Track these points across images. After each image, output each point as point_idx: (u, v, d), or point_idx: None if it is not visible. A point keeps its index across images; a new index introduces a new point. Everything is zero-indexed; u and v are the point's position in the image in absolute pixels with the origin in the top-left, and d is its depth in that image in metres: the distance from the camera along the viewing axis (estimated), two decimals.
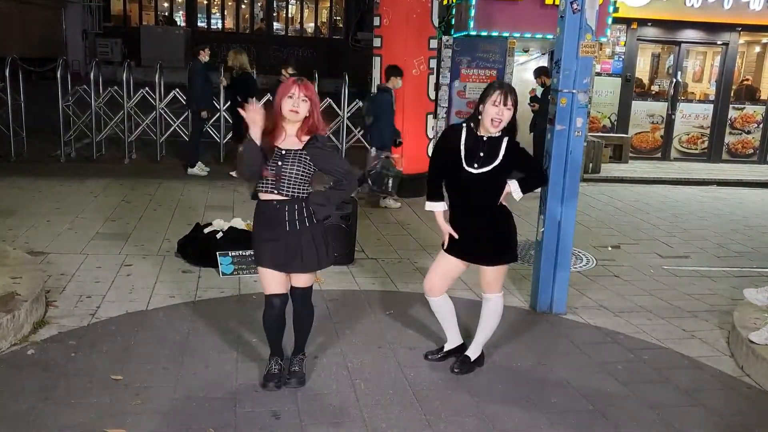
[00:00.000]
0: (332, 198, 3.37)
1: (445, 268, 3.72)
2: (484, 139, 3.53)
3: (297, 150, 3.27)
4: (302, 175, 3.28)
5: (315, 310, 3.61)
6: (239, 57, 8.54)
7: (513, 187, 3.66)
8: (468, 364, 3.77)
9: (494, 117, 3.44)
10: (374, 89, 7.92)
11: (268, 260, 3.37)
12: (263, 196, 3.33)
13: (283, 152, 3.27)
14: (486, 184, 3.54)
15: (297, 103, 3.23)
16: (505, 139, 3.54)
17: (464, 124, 3.61)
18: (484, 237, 3.63)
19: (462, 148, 3.54)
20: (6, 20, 17.62)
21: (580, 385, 3.67)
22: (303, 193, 3.31)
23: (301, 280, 3.43)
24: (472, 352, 3.81)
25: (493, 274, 3.71)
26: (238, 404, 3.28)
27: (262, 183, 3.31)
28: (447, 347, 3.90)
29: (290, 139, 3.29)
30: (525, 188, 3.71)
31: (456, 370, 3.73)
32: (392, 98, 7.48)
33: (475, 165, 3.51)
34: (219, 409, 3.24)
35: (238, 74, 8.54)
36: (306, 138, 3.29)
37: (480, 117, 3.50)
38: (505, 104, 3.44)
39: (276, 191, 3.27)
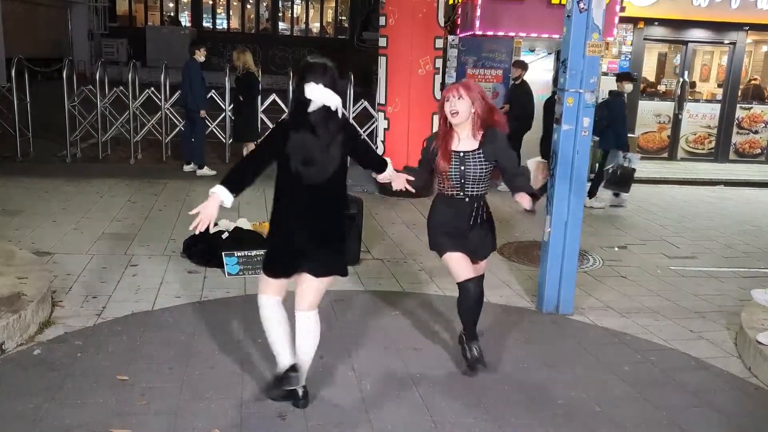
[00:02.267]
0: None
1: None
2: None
3: (473, 150, 3.46)
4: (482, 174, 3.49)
5: (319, 310, 3.60)
6: (243, 56, 8.50)
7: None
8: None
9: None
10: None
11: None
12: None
13: (461, 154, 3.46)
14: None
15: (454, 104, 3.37)
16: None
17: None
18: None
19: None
20: (12, 21, 17.70)
21: (587, 386, 3.65)
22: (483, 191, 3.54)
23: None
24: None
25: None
26: (243, 405, 3.28)
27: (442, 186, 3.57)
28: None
29: (465, 141, 3.47)
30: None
31: None
32: (624, 102, 8.22)
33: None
34: (224, 409, 3.23)
35: (242, 73, 8.51)
36: (480, 134, 3.43)
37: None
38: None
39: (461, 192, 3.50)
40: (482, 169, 3.51)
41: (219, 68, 9.28)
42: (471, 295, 3.59)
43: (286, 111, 9.54)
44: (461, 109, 3.43)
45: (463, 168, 3.49)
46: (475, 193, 3.56)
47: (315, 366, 3.68)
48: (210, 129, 9.28)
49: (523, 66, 8.85)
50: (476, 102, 3.44)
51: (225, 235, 5.43)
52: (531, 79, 9.52)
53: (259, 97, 8.93)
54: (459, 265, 3.60)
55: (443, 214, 3.64)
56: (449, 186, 3.56)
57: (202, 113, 8.60)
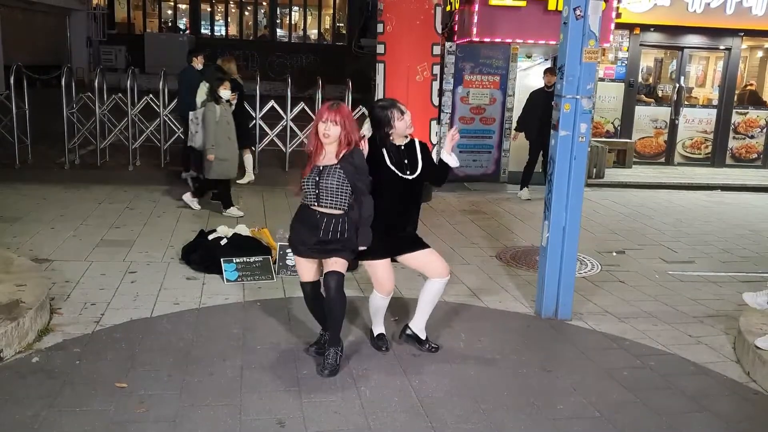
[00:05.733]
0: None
1: (387, 269, 3.93)
2: (401, 146, 3.89)
3: (333, 165, 3.62)
4: (339, 188, 3.63)
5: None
6: (228, 65, 8.60)
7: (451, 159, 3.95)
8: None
9: (407, 126, 3.86)
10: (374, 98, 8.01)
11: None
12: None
13: (321, 168, 3.62)
14: (418, 185, 3.94)
15: (328, 128, 3.58)
16: (416, 142, 3.96)
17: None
18: (412, 229, 4.02)
19: (387, 160, 3.85)
20: (11, 28, 17.71)
21: (586, 392, 3.66)
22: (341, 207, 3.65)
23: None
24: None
25: (436, 254, 4.01)
26: (242, 412, 3.28)
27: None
28: (376, 331, 4.14)
29: (329, 156, 3.66)
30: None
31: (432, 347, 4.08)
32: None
33: (408, 172, 3.86)
34: (223, 416, 3.23)
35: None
36: (342, 153, 3.62)
37: (391, 133, 3.84)
38: (403, 113, 3.86)
39: (316, 204, 3.63)
40: (338, 183, 3.63)
41: (222, 76, 9.26)
42: (307, 296, 3.85)
43: (284, 117, 9.64)
44: (332, 133, 3.60)
45: (318, 179, 3.62)
46: (331, 210, 3.64)
47: (313, 373, 3.69)
48: None
49: (554, 73, 8.88)
50: (346, 126, 3.63)
51: (224, 242, 5.43)
52: (528, 84, 9.56)
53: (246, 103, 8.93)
54: (300, 267, 3.80)
55: (298, 221, 3.78)
56: (305, 196, 3.72)
57: None
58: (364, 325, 4.41)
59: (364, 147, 3.79)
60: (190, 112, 7.34)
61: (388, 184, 3.81)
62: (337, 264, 3.66)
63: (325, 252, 3.67)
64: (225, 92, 6.77)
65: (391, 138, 3.85)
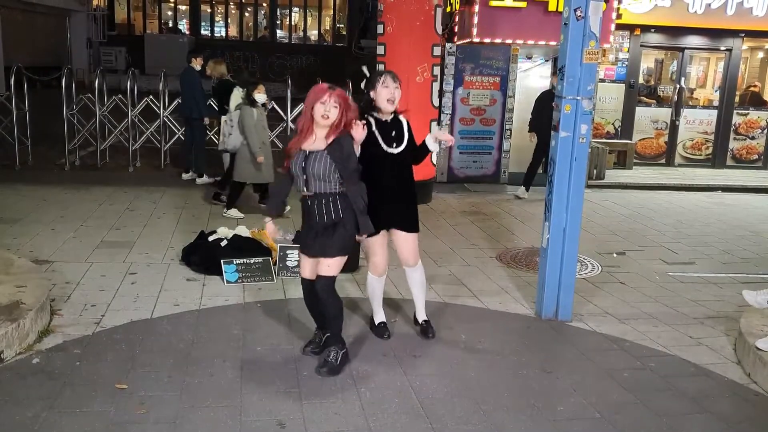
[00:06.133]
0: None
1: (382, 245, 4.06)
2: (387, 121, 3.94)
3: (320, 151, 3.55)
4: (326, 172, 3.55)
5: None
6: (218, 67, 8.62)
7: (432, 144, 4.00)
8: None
9: (389, 97, 3.87)
10: None
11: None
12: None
13: (307, 153, 3.55)
14: (405, 159, 3.99)
15: (328, 109, 3.47)
16: (402, 117, 4.03)
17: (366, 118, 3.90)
18: (406, 206, 4.07)
19: (377, 134, 3.90)
20: (11, 29, 17.73)
21: (586, 393, 3.65)
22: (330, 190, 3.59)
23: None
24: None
25: (413, 243, 4.12)
26: (242, 413, 3.27)
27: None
28: (377, 320, 4.29)
29: (318, 141, 3.57)
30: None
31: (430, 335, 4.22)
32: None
33: (394, 145, 3.92)
34: (224, 417, 3.23)
35: (216, 82, 8.59)
36: (332, 139, 3.55)
37: (374, 104, 3.89)
38: (394, 83, 3.90)
39: (305, 189, 3.59)
40: (326, 167, 3.57)
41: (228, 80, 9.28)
42: (305, 291, 3.85)
43: (285, 118, 9.64)
44: (332, 115, 3.53)
45: (304, 165, 3.57)
46: (320, 191, 3.62)
47: (313, 374, 3.68)
48: (209, 137, 9.28)
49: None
50: (344, 108, 3.57)
51: (224, 243, 5.43)
52: (529, 85, 9.57)
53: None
54: (302, 261, 3.83)
55: (303, 217, 3.76)
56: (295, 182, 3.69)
57: (206, 120, 8.67)
58: (363, 325, 4.41)
59: (361, 129, 3.67)
60: (223, 116, 7.46)
61: (372, 157, 3.85)
62: (329, 269, 3.64)
63: (322, 248, 3.62)
64: (260, 96, 6.84)
65: (374, 103, 3.89)
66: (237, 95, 7.32)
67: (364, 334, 4.27)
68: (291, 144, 3.65)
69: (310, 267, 3.76)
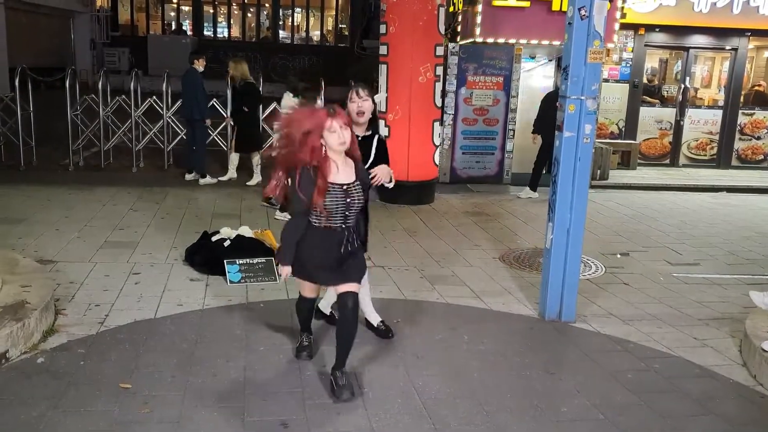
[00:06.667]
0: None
1: None
2: (359, 138, 3.73)
3: (352, 183, 3.39)
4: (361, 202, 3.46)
5: (322, 317, 3.63)
6: (240, 66, 8.56)
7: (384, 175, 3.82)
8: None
9: (357, 110, 3.82)
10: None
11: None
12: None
13: (344, 186, 3.35)
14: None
15: (342, 135, 3.26)
16: (375, 137, 3.97)
17: None
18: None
19: None
20: (15, 30, 17.78)
21: (590, 394, 3.64)
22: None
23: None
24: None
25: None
26: (246, 413, 3.27)
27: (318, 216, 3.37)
28: (375, 321, 4.26)
29: (344, 171, 3.36)
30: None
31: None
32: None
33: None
34: (227, 417, 3.23)
35: (241, 84, 8.56)
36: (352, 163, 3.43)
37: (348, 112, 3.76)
38: (359, 97, 3.82)
39: (343, 224, 3.40)
40: (360, 199, 3.46)
41: (220, 76, 9.27)
42: (304, 308, 3.90)
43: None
44: (347, 138, 3.29)
45: (348, 201, 3.36)
46: (355, 220, 3.51)
47: (316, 374, 3.68)
48: (211, 138, 9.29)
49: None
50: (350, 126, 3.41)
51: (227, 243, 5.43)
52: (532, 85, 9.55)
53: (261, 106, 8.96)
54: (304, 283, 3.69)
55: (313, 247, 3.44)
56: (328, 219, 3.36)
57: (208, 121, 8.67)
58: (362, 326, 4.39)
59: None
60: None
61: None
62: (353, 285, 3.47)
63: (345, 275, 3.44)
64: (318, 102, 7.33)
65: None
66: (288, 99, 7.68)
67: (365, 334, 4.27)
68: (320, 182, 3.25)
69: (315, 287, 3.71)
